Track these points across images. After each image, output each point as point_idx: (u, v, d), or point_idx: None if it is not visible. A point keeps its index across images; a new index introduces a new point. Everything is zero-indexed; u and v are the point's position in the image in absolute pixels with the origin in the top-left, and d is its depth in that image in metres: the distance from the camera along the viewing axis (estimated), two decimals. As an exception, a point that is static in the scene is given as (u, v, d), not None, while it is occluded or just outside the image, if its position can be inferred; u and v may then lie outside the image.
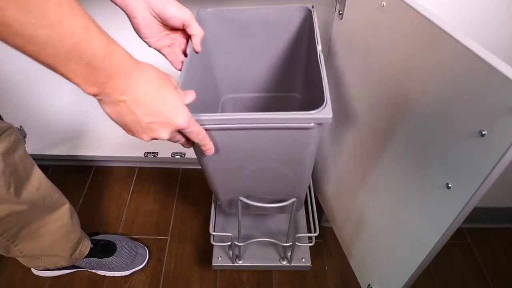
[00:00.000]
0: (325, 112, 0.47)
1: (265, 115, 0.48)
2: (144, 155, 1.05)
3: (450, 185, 0.47)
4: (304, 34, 0.71)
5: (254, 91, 0.83)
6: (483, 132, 0.40)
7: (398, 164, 0.59)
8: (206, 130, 0.50)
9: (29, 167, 0.64)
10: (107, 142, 1.09)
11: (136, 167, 1.11)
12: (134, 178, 1.08)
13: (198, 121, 0.49)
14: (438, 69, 0.46)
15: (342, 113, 0.76)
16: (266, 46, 0.74)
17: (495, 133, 0.39)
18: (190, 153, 1.05)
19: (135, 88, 0.38)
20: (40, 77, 1.12)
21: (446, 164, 0.48)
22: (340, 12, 0.67)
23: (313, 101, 0.70)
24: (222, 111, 0.85)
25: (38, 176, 0.65)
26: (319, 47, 0.59)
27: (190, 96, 0.47)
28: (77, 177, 1.07)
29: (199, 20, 0.64)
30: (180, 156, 1.04)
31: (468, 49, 0.40)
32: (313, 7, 0.67)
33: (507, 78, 0.36)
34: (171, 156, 1.05)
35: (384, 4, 0.54)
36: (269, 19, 0.70)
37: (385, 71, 0.58)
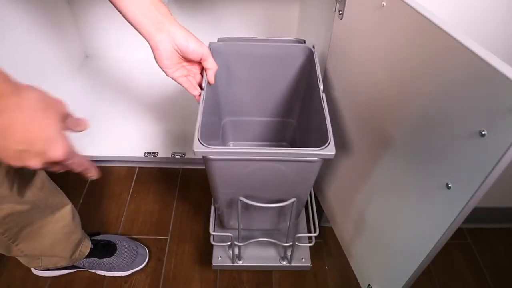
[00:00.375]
0: (329, 149, 0.54)
1: (277, 150, 0.55)
2: (144, 155, 1.05)
3: (450, 185, 0.47)
4: (305, 69, 0.77)
5: (253, 115, 0.89)
6: (483, 132, 0.40)
7: (398, 164, 0.59)
8: (221, 160, 0.57)
9: None
10: (107, 142, 1.09)
11: (136, 167, 1.11)
12: (134, 178, 1.08)
13: (221, 153, 0.56)
14: (438, 69, 0.46)
15: (343, 113, 0.76)
16: (268, 77, 0.80)
17: (495, 133, 0.39)
18: (190, 153, 1.05)
19: (8, 114, 0.36)
20: (40, 78, 1.12)
21: (446, 164, 0.48)
22: (340, 12, 0.67)
23: (308, 127, 0.79)
24: (223, 132, 0.91)
25: (41, 177, 0.65)
26: (321, 87, 0.66)
27: (83, 125, 0.47)
28: (77, 177, 1.07)
29: (211, 51, 0.70)
30: (180, 156, 1.04)
31: (468, 49, 0.40)
32: (314, 47, 0.74)
33: (507, 78, 0.36)
34: (171, 156, 1.05)
35: (384, 4, 0.54)
36: (274, 54, 0.76)
37: (384, 71, 0.58)
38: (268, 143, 0.94)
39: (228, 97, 0.84)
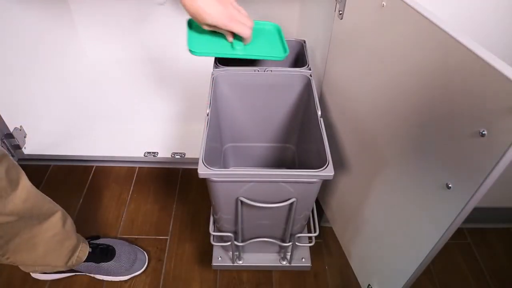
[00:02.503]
0: (328, 171, 0.58)
1: (279, 171, 0.59)
2: (144, 155, 1.05)
3: (450, 185, 0.47)
4: (303, 96, 0.80)
5: (253, 141, 0.92)
6: (483, 132, 0.40)
7: (398, 164, 0.59)
8: (224, 182, 0.60)
9: (15, 179, 0.62)
10: (107, 142, 1.09)
11: (136, 167, 1.11)
12: (134, 178, 1.08)
13: (224, 175, 0.59)
14: (438, 69, 0.46)
15: (343, 112, 0.76)
16: (268, 104, 0.83)
17: (495, 133, 0.39)
18: (190, 153, 1.05)
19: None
20: (40, 77, 1.12)
21: (446, 164, 0.48)
22: (340, 12, 0.67)
23: (306, 151, 0.82)
24: (224, 158, 0.94)
25: (26, 188, 0.63)
26: (319, 112, 0.69)
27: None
28: (77, 177, 1.07)
29: (214, 80, 0.74)
30: (180, 156, 1.04)
31: (468, 49, 0.40)
32: (311, 75, 0.76)
33: (507, 78, 0.36)
34: (171, 156, 1.05)
35: (384, 4, 0.54)
36: (274, 82, 0.78)
37: (384, 71, 0.58)
38: (268, 168, 0.98)
39: (229, 123, 0.87)
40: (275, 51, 0.74)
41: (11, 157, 0.63)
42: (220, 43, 0.71)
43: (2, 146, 0.98)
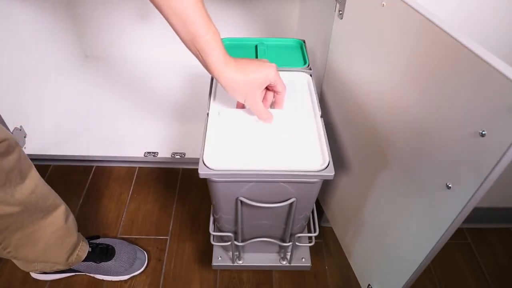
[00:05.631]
0: (328, 171, 0.57)
1: (280, 171, 0.58)
2: (144, 155, 1.05)
3: (450, 185, 0.47)
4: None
5: None
6: (483, 132, 0.40)
7: (399, 164, 0.59)
8: (225, 182, 0.59)
9: (25, 170, 0.63)
10: (107, 142, 1.09)
11: (136, 167, 1.11)
12: (134, 178, 1.08)
13: (225, 175, 0.57)
14: (438, 69, 0.46)
15: (343, 112, 0.76)
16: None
17: (495, 133, 0.39)
18: (190, 153, 1.05)
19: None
20: (40, 77, 1.12)
21: (446, 164, 0.48)
22: (340, 12, 0.67)
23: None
24: None
25: (34, 179, 0.64)
26: (319, 112, 0.68)
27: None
28: (77, 177, 1.07)
29: (214, 80, 0.72)
30: (180, 156, 1.04)
31: (468, 49, 0.40)
32: (311, 75, 0.75)
33: (507, 78, 0.36)
34: (171, 156, 1.05)
35: (384, 4, 0.54)
36: None
37: (384, 71, 0.58)
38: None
39: None
40: (296, 63, 0.79)
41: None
42: None
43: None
